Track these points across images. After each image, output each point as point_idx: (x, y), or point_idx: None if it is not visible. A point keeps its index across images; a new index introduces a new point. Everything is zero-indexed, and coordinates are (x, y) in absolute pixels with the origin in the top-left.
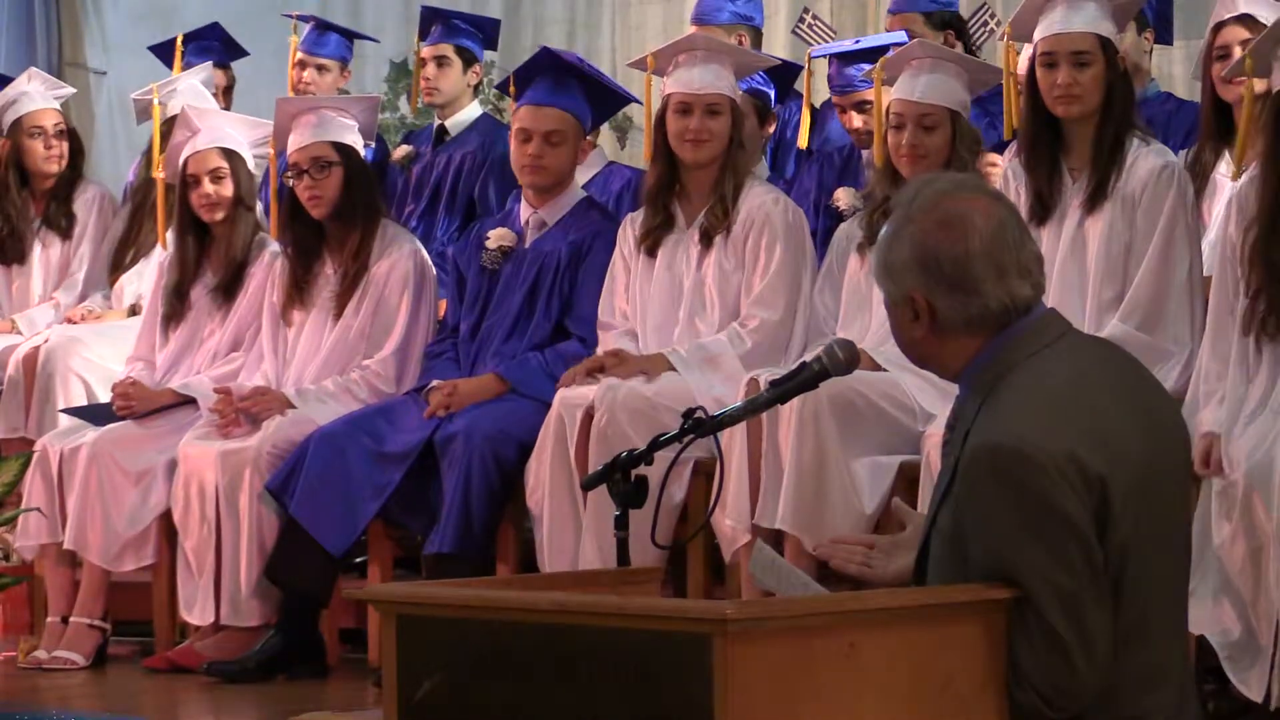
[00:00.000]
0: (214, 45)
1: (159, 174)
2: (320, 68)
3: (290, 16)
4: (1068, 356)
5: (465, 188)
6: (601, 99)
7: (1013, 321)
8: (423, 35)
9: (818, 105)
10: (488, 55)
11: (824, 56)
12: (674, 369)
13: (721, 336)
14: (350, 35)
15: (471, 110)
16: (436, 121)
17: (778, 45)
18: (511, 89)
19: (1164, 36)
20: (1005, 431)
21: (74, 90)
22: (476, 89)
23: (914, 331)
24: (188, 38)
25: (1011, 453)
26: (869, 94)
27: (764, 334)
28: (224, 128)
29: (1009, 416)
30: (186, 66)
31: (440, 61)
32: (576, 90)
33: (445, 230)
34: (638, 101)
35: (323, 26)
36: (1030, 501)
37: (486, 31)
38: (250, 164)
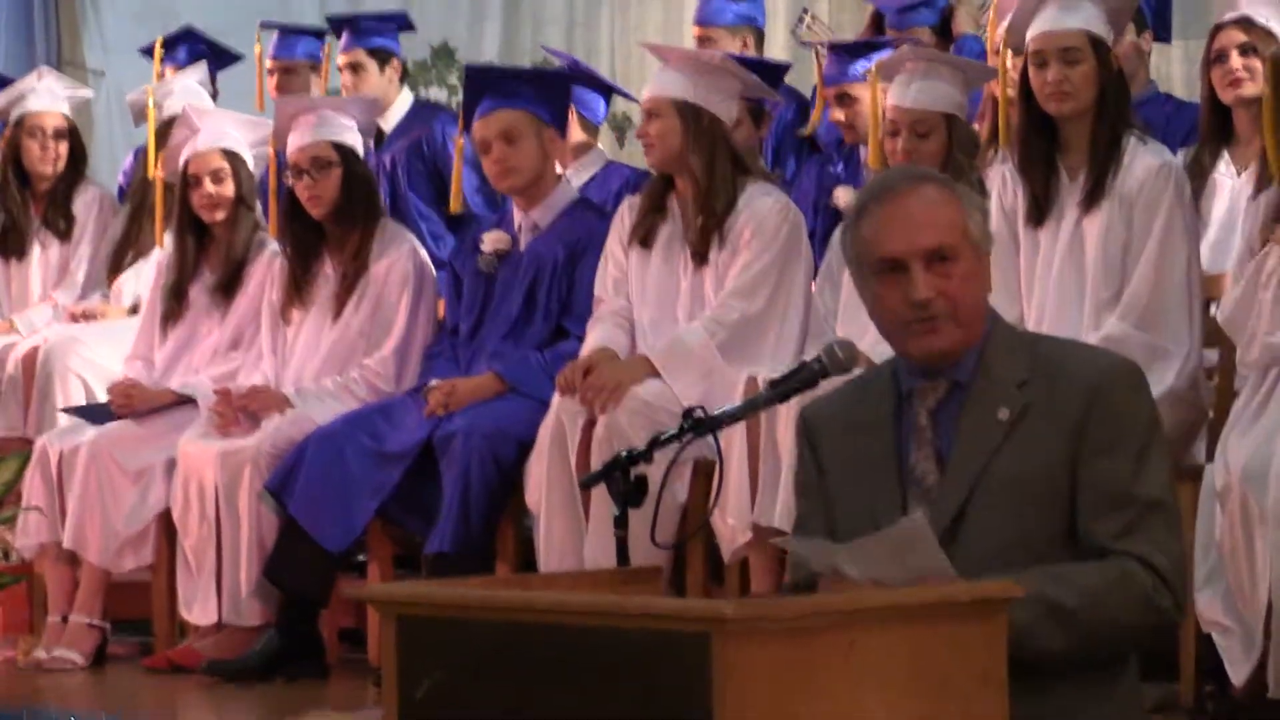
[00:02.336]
0: (199, 48)
1: (157, 173)
2: (286, 70)
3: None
4: None
5: (424, 180)
6: (552, 88)
7: None
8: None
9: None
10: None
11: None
12: (656, 373)
13: (696, 325)
14: (319, 34)
15: (402, 104)
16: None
17: (777, 46)
18: (461, 125)
19: (1162, 36)
20: (1114, 359)
21: (91, 94)
22: (403, 81)
23: (989, 285)
24: (166, 42)
25: (1139, 371)
26: (852, 88)
27: (742, 326)
28: (225, 128)
29: (1093, 351)
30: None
31: (355, 69)
32: (521, 89)
33: (431, 234)
34: (621, 91)
35: (287, 30)
36: (1156, 414)
37: (394, 21)
38: (250, 164)
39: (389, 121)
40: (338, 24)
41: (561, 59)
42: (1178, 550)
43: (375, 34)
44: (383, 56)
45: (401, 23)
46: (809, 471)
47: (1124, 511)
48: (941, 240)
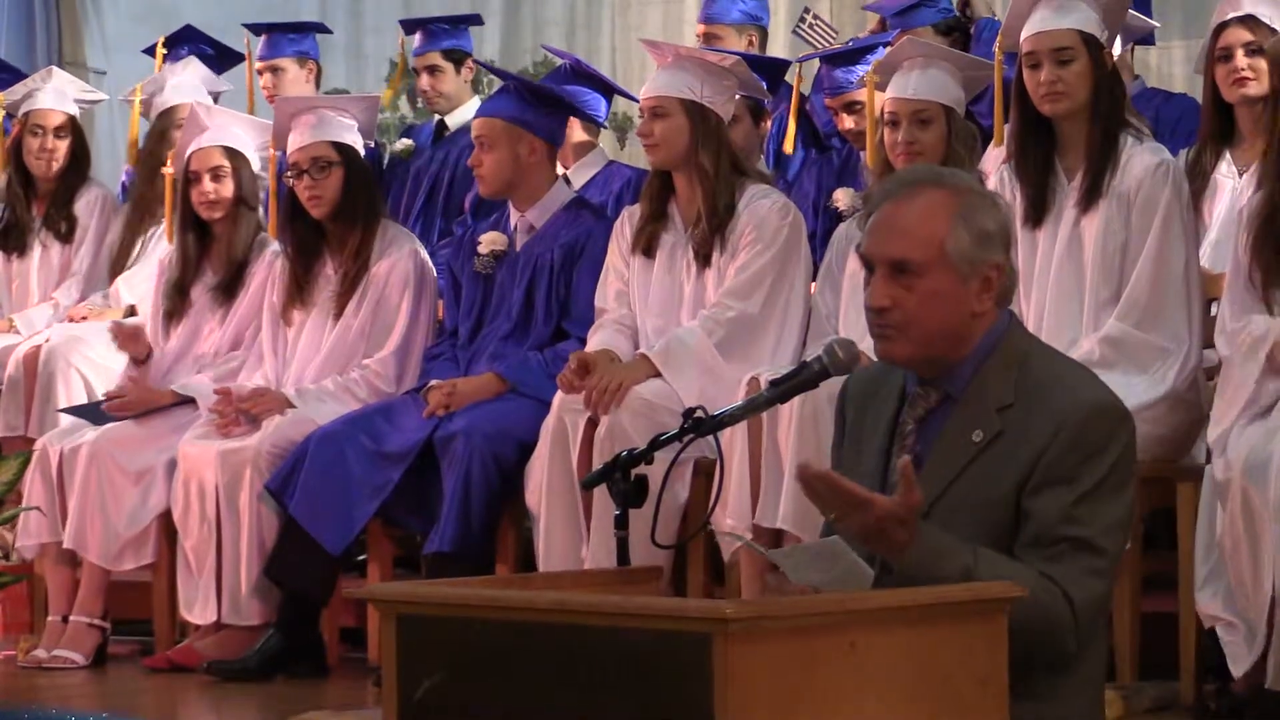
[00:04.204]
0: (201, 48)
1: (166, 171)
2: (274, 69)
3: (247, 28)
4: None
5: (462, 186)
6: (537, 99)
7: None
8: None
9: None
10: (487, 55)
11: (812, 59)
12: (657, 373)
13: (694, 324)
14: (306, 29)
15: (470, 106)
16: (436, 117)
17: (778, 45)
18: None
19: (1145, 37)
20: (1095, 396)
21: (106, 96)
22: (475, 84)
23: (979, 304)
24: (168, 41)
25: (1118, 413)
26: (858, 95)
27: (738, 325)
28: (230, 127)
29: (1083, 383)
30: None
31: (432, 71)
32: (507, 98)
33: (435, 240)
34: (623, 91)
35: (274, 28)
36: (1126, 459)
37: (466, 21)
38: (255, 164)
39: (455, 120)
40: (411, 26)
41: (563, 58)
42: (1099, 591)
43: (448, 36)
44: (457, 57)
45: (473, 22)
46: (836, 437)
47: (1049, 548)
48: (906, 254)
